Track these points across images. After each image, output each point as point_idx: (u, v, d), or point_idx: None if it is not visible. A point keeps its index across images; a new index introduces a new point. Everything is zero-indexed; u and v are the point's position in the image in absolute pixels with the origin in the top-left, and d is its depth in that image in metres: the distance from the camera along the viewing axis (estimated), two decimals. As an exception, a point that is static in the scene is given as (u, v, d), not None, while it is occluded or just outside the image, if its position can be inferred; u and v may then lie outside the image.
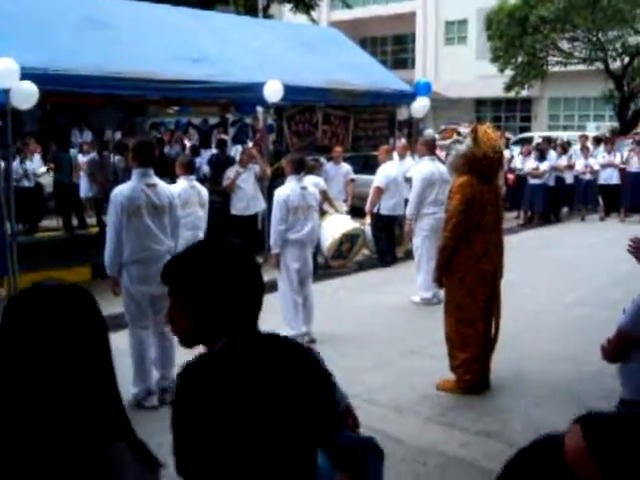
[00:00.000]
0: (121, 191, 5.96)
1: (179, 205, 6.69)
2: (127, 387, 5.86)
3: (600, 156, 17.79)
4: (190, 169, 8.45)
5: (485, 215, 6.05)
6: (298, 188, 7.52)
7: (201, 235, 8.09)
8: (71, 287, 1.69)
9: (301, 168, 7.76)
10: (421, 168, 9.56)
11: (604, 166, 17.42)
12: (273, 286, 8.76)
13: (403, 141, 13.71)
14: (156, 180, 6.11)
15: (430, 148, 9.84)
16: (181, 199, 7.48)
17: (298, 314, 7.59)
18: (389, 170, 11.02)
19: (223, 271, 1.95)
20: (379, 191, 10.99)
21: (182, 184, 8.11)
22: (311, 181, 9.27)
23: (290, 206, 7.47)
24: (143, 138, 6.19)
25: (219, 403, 1.10)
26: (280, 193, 7.54)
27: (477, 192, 5.95)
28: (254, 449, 1.09)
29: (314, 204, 7.79)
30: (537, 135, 22.83)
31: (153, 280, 5.98)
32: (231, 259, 1.98)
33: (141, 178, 5.98)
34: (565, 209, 18.08)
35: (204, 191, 8.57)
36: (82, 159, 15.07)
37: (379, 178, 10.99)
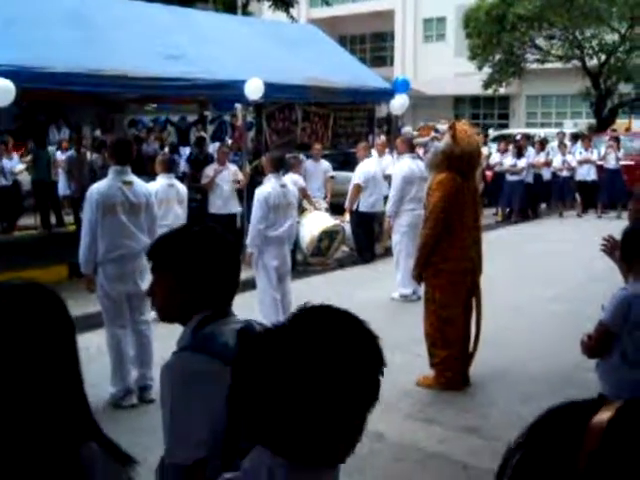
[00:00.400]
0: (97, 188, 5.95)
1: (156, 203, 6.68)
2: (106, 386, 5.83)
3: (577, 153, 17.94)
4: (169, 167, 8.46)
5: (465, 212, 6.08)
6: (278, 186, 7.51)
7: None
8: (34, 287, 1.61)
9: (281, 166, 7.76)
10: (402, 166, 9.59)
11: (581, 163, 17.57)
12: (249, 284, 8.76)
13: (383, 138, 13.73)
14: (133, 178, 6.10)
15: (410, 146, 9.90)
16: (158, 197, 7.47)
17: (278, 311, 7.58)
18: (368, 167, 11.04)
19: (205, 251, 2.18)
20: (358, 188, 11.02)
21: (160, 182, 8.11)
22: (290, 179, 9.27)
23: (271, 204, 7.46)
24: (120, 136, 6.20)
25: (292, 372, 1.24)
26: (261, 191, 7.52)
27: (456, 187, 5.98)
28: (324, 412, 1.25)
29: (294, 202, 7.81)
30: (516, 132, 22.96)
31: (129, 278, 5.98)
32: (212, 241, 2.22)
33: (117, 175, 5.97)
34: (543, 205, 18.21)
35: (183, 188, 8.61)
36: (60, 156, 14.94)
37: (358, 175, 11.02)
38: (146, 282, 5.20)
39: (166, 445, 2.06)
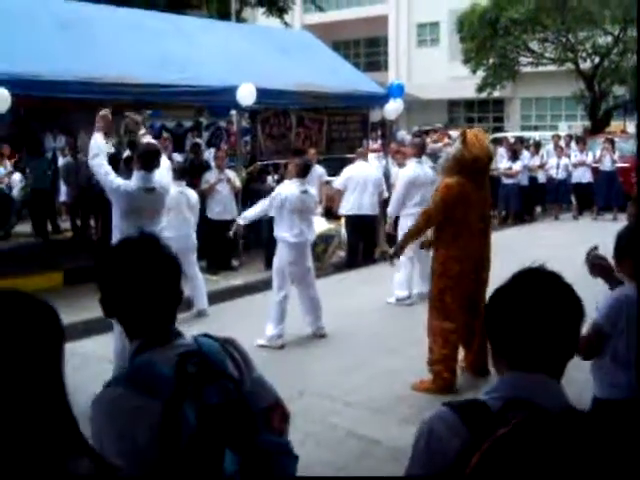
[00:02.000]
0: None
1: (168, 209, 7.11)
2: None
3: (573, 155, 17.97)
4: (181, 175, 8.84)
5: (470, 216, 6.13)
6: (299, 192, 7.61)
7: (193, 237, 8.77)
8: (16, 294, 1.54)
9: (306, 173, 7.87)
10: (407, 169, 9.70)
11: (576, 165, 17.60)
12: (244, 289, 8.76)
13: (379, 142, 13.77)
14: (156, 184, 6.35)
15: (418, 150, 9.91)
16: (170, 204, 7.55)
17: (278, 313, 7.59)
18: (348, 171, 11.19)
19: (130, 277, 1.97)
20: (339, 192, 11.32)
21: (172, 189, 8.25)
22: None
23: (288, 207, 7.59)
24: (149, 144, 6.51)
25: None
26: (279, 191, 7.66)
27: (464, 191, 6.02)
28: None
29: (312, 207, 8.02)
30: (510, 135, 23.02)
31: None
32: (140, 267, 1.99)
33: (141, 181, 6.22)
34: (539, 208, 18.22)
35: (193, 195, 8.99)
36: (62, 163, 14.90)
37: (338, 180, 11.27)
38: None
39: None
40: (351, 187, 11.09)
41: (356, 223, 11.30)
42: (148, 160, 6.28)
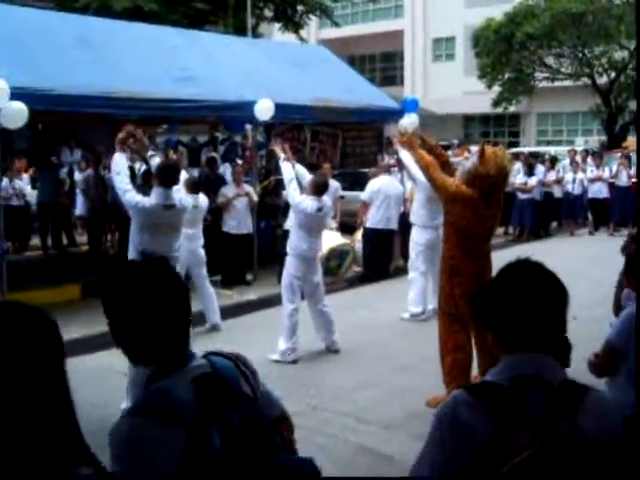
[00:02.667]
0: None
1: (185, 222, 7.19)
2: (117, 406, 5.82)
3: (589, 170, 17.91)
4: (196, 189, 8.85)
5: (480, 228, 6.12)
6: (314, 210, 7.58)
7: (201, 251, 8.77)
8: (15, 305, 1.53)
9: (323, 191, 7.79)
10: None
11: (593, 180, 17.54)
12: (258, 304, 8.74)
13: (395, 157, 13.80)
14: (175, 200, 6.52)
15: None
16: (187, 218, 7.61)
17: (288, 327, 7.59)
18: (374, 184, 11.16)
19: (140, 303, 1.93)
20: (364, 205, 11.31)
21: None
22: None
23: (302, 221, 7.62)
24: (169, 160, 6.66)
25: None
26: (302, 201, 7.59)
27: (472, 201, 6.00)
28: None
29: (324, 224, 8.04)
30: (526, 151, 22.96)
31: None
32: (148, 290, 1.94)
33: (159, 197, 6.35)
34: (554, 224, 18.14)
35: (204, 202, 8.99)
36: (79, 177, 15.00)
37: (364, 192, 11.30)
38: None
39: None
40: (378, 201, 11.11)
41: (377, 237, 11.32)
42: (167, 176, 6.37)
